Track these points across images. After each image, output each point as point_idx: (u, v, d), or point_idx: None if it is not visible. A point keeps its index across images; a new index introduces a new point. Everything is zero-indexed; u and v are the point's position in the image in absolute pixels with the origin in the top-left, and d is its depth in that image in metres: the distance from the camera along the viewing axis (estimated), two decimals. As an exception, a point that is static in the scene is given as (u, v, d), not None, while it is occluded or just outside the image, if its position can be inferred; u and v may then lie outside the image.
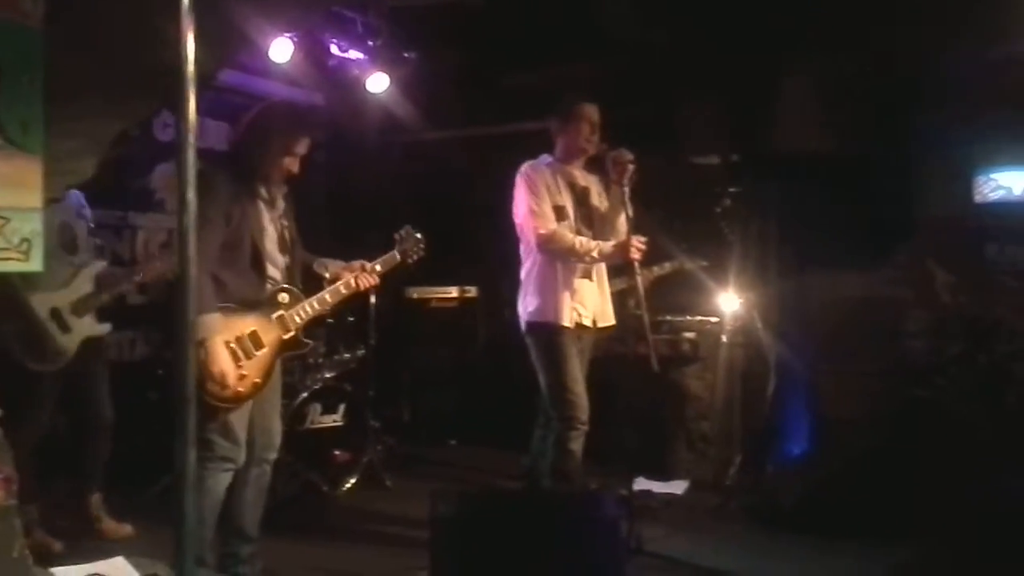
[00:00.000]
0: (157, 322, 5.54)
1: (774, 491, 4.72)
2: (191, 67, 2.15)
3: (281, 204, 3.50)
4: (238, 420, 3.32)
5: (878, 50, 5.30)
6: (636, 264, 4.05)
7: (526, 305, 4.12)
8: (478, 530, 2.58)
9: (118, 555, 3.17)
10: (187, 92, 2.14)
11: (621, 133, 4.27)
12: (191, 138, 2.14)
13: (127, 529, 4.23)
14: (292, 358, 4.21)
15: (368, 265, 3.68)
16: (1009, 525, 4.06)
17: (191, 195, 2.15)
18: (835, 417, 5.08)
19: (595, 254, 4.02)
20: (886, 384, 5.01)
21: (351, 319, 5.32)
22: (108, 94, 3.37)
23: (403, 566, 3.66)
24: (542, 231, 4.00)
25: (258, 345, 3.33)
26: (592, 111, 4.15)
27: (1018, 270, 5.54)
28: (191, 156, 2.15)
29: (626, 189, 4.06)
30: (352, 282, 3.59)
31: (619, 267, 4.34)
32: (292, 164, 3.42)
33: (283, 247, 3.47)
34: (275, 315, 3.39)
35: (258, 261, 3.35)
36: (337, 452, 5.05)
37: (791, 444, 5.25)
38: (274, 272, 3.42)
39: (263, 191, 3.41)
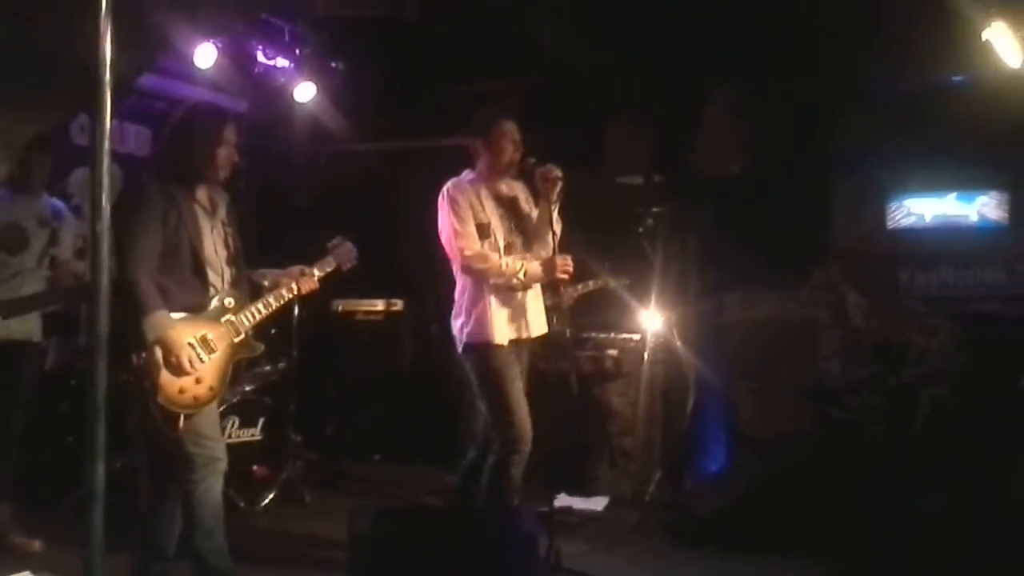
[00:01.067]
0: (69, 331, 5.37)
1: (692, 506, 4.80)
2: (108, 70, 2.10)
3: (222, 211, 3.46)
4: (203, 423, 3.28)
5: (797, 76, 5.47)
6: (561, 285, 4.07)
7: (461, 326, 4.05)
8: (395, 547, 2.57)
9: (24, 571, 3.06)
10: (103, 96, 2.09)
11: (547, 151, 4.30)
12: (106, 143, 2.09)
13: (36, 545, 4.11)
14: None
15: (307, 270, 3.67)
16: (914, 543, 4.21)
17: (105, 200, 2.10)
18: (751, 434, 5.21)
19: (521, 275, 4.00)
20: (801, 403, 5.16)
21: (273, 331, 5.23)
22: (25, 96, 3.28)
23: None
24: (467, 252, 3.96)
25: (210, 349, 3.29)
26: (512, 128, 4.10)
27: (928, 296, 5.77)
28: (106, 161, 2.09)
29: (555, 206, 4.07)
30: (295, 286, 3.58)
31: (543, 284, 4.36)
32: (229, 154, 3.38)
33: (227, 255, 3.43)
34: (223, 319, 3.35)
35: (199, 267, 3.30)
36: (255, 467, 4.96)
37: (709, 460, 5.34)
38: (215, 279, 3.37)
39: (201, 196, 3.37)
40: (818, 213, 5.88)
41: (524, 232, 4.15)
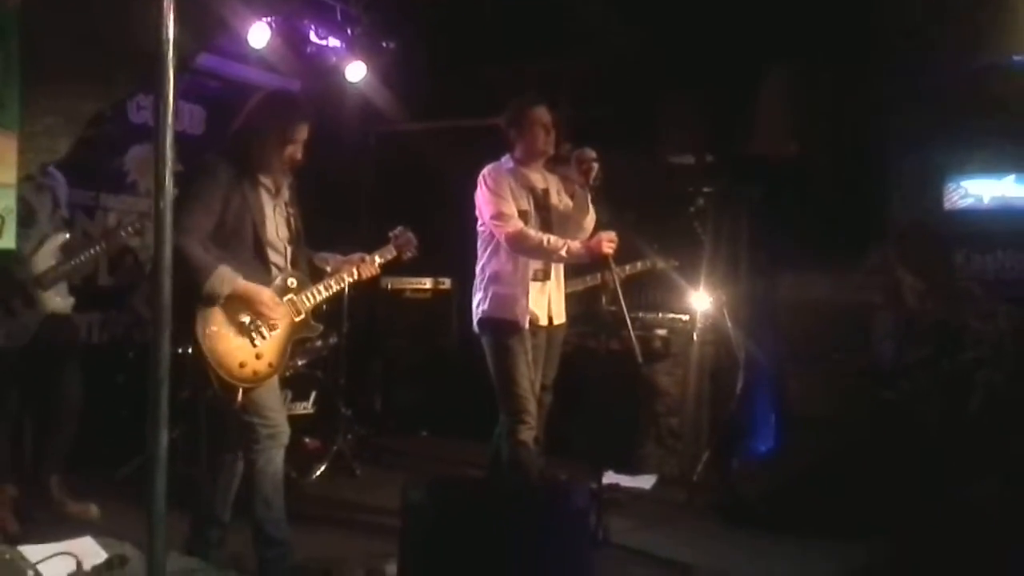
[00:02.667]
0: (118, 305, 5.51)
1: (739, 487, 4.78)
2: (170, 50, 2.14)
3: (285, 192, 3.52)
4: (266, 396, 3.36)
5: (853, 55, 5.37)
6: (611, 259, 4.09)
7: (479, 302, 4.15)
8: (449, 518, 2.60)
9: (86, 535, 3.16)
10: (166, 75, 2.13)
11: (598, 130, 4.30)
12: (169, 121, 2.14)
13: (93, 510, 4.21)
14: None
15: (368, 257, 3.77)
16: (964, 531, 4.15)
17: (168, 179, 2.15)
18: (801, 416, 5.16)
19: (563, 252, 4.04)
20: (852, 385, 5.09)
21: (324, 307, 5.30)
22: (86, 74, 3.35)
23: (370, 553, 3.67)
24: (509, 230, 4.02)
25: (271, 327, 3.36)
26: (543, 114, 4.14)
27: (984, 278, 5.65)
28: (169, 139, 2.14)
29: (591, 190, 4.09)
30: (355, 271, 3.68)
31: (585, 265, 4.37)
32: (294, 152, 3.43)
33: (289, 235, 3.50)
34: (285, 298, 3.43)
35: (260, 248, 3.37)
36: (307, 440, 5.04)
37: (757, 441, 5.32)
38: (277, 259, 3.44)
39: (265, 180, 3.42)
40: (874, 194, 5.77)
41: (550, 227, 4.20)
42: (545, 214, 4.22)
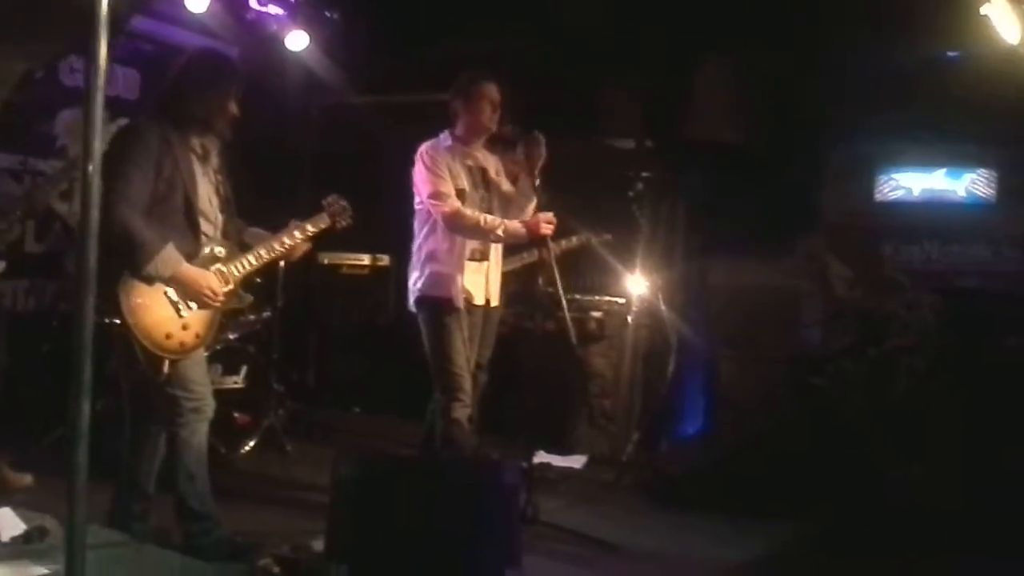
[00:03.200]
0: (53, 272, 5.36)
1: (667, 467, 4.87)
2: (104, 11, 2.07)
3: (215, 158, 3.44)
4: (192, 369, 3.30)
5: (792, 47, 5.46)
6: (548, 240, 4.10)
7: (416, 280, 4.14)
8: (377, 493, 2.60)
9: (4, 506, 3.09)
10: (99, 36, 2.07)
11: (539, 112, 4.30)
12: (100, 84, 2.07)
13: (27, 479, 4.12)
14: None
15: (300, 225, 3.66)
16: (887, 507, 4.29)
17: (97, 143, 2.08)
18: (730, 399, 5.27)
19: (500, 232, 4.04)
20: (781, 370, 5.22)
21: (258, 280, 5.22)
22: (14, 34, 3.24)
23: (298, 529, 3.65)
24: (446, 210, 4.00)
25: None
26: (492, 90, 4.12)
27: (911, 268, 5.82)
28: (99, 102, 2.08)
29: (537, 180, 4.09)
30: (286, 240, 3.58)
31: (523, 244, 4.39)
32: (235, 110, 3.38)
33: (219, 202, 3.43)
34: (213, 268, 3.35)
35: (191, 215, 3.30)
36: (237, 415, 4.98)
37: (687, 423, 5.42)
38: (207, 228, 3.37)
39: (195, 143, 3.35)
40: (807, 183, 5.90)
41: (490, 206, 4.20)
42: (484, 193, 4.21)
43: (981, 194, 5.86)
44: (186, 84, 3.35)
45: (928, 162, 5.93)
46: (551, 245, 4.18)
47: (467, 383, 4.04)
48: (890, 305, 5.06)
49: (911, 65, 5.37)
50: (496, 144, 4.33)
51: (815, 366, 5.07)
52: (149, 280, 3.17)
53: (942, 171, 5.92)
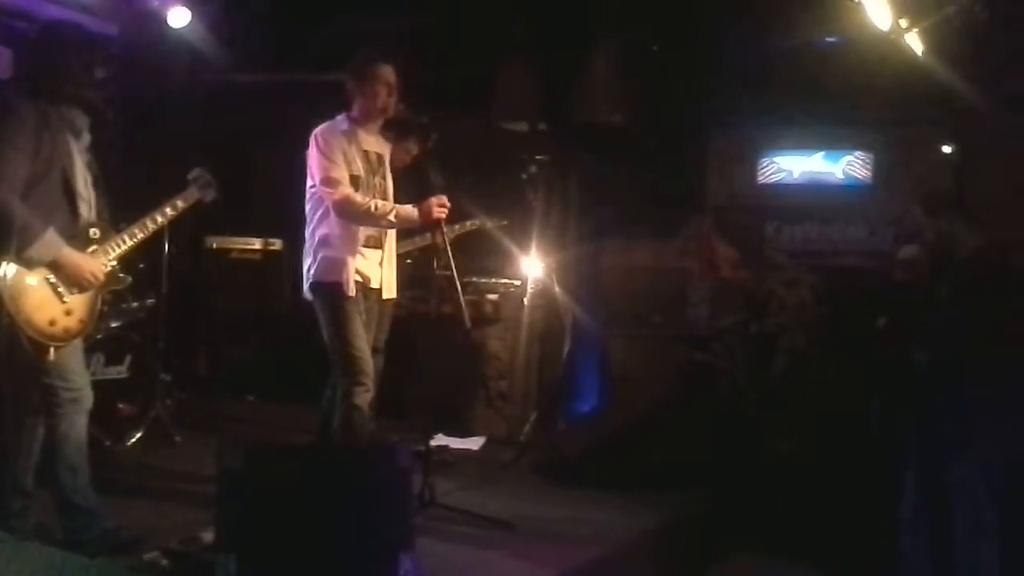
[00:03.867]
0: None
1: (563, 446, 4.95)
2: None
3: (86, 136, 3.32)
4: (69, 358, 3.20)
5: (677, 31, 5.58)
6: (442, 224, 4.09)
7: (310, 266, 4.06)
8: (265, 482, 2.57)
9: None
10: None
11: (434, 92, 4.27)
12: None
13: None
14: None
15: (169, 202, 3.55)
16: (768, 480, 4.48)
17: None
18: (622, 377, 5.39)
19: (392, 217, 4.00)
20: (669, 348, 5.36)
21: (141, 266, 5.05)
22: None
23: (187, 521, 3.56)
24: (337, 197, 3.93)
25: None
26: (388, 72, 4.03)
27: (792, 248, 6.05)
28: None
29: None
30: (157, 217, 3.48)
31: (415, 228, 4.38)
32: (102, 75, 3.28)
33: (93, 182, 3.31)
34: (89, 249, 3.24)
35: (69, 194, 3.18)
36: (121, 406, 4.82)
37: (582, 402, 5.52)
38: (83, 207, 3.25)
39: (72, 120, 3.22)
40: (694, 166, 6.06)
41: (385, 193, 4.16)
42: (382, 181, 4.15)
43: (858, 176, 6.12)
44: (48, 58, 3.23)
45: (807, 145, 6.16)
46: (445, 229, 4.17)
47: (369, 366, 3.99)
48: (770, 284, 5.25)
49: (790, 51, 5.55)
50: (390, 129, 4.27)
51: (701, 343, 5.23)
52: (30, 264, 3.06)
53: (820, 154, 6.16)
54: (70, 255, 3.13)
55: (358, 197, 3.96)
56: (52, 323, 3.11)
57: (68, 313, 3.15)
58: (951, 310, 3.49)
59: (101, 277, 3.22)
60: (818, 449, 4.60)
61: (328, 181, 3.94)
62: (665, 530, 4.16)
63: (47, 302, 3.11)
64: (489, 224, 5.37)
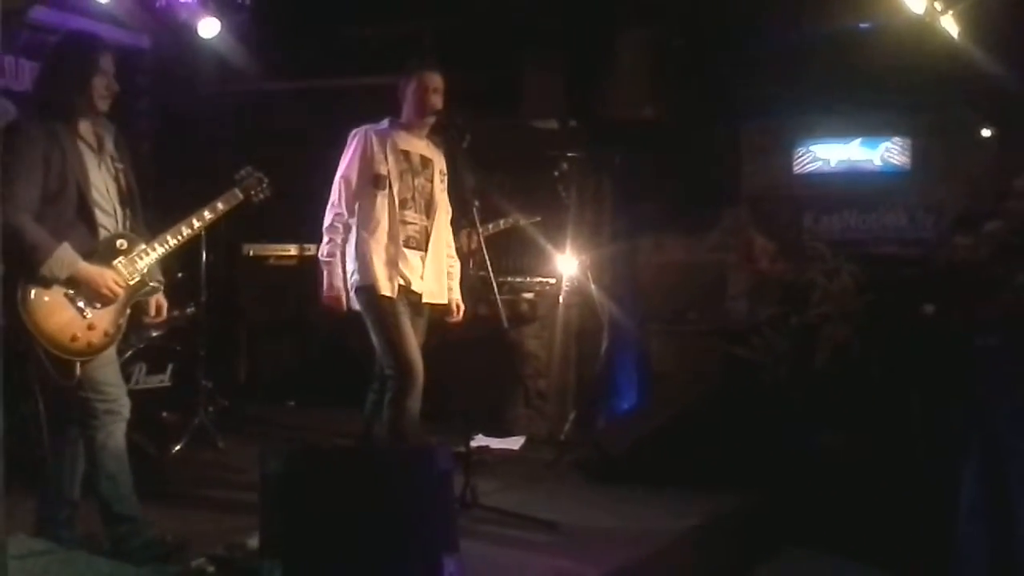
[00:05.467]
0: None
1: (604, 444, 4.91)
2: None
3: (110, 145, 3.32)
4: (102, 369, 3.21)
5: (706, 19, 5.51)
6: (477, 223, 4.09)
7: (351, 271, 4.09)
8: (307, 487, 2.57)
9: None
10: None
11: (462, 93, 4.27)
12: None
13: None
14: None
15: (211, 205, 3.54)
16: (815, 475, 4.40)
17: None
18: (661, 374, 5.34)
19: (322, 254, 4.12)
20: (708, 343, 5.30)
21: (180, 275, 5.10)
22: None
23: (233, 527, 3.58)
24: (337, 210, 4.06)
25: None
26: (433, 79, 4.10)
27: (830, 238, 5.95)
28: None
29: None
30: (195, 222, 3.45)
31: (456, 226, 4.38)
32: (107, 84, 3.22)
33: (119, 193, 3.30)
34: (115, 261, 3.23)
35: (85, 209, 3.18)
36: (165, 414, 4.87)
37: (621, 399, 5.48)
38: (106, 220, 3.25)
39: (85, 132, 3.23)
40: (727, 158, 5.98)
41: (432, 195, 4.18)
42: (424, 183, 4.14)
43: (896, 162, 6.00)
44: (48, 69, 3.25)
45: (843, 133, 6.05)
46: (480, 228, 4.16)
47: (418, 367, 3.99)
48: (810, 275, 5.17)
49: (823, 37, 5.46)
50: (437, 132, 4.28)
51: (740, 337, 5.17)
52: (46, 283, 3.06)
53: (857, 141, 6.05)
54: (86, 269, 3.12)
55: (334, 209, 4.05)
56: (74, 339, 3.10)
57: (91, 328, 3.15)
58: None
59: (120, 290, 3.20)
60: (864, 442, 4.52)
61: (339, 185, 4.07)
62: (709, 528, 4.10)
63: (68, 318, 3.11)
64: (522, 221, 5.36)
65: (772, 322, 5.12)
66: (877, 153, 6.05)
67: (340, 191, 4.11)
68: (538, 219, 5.45)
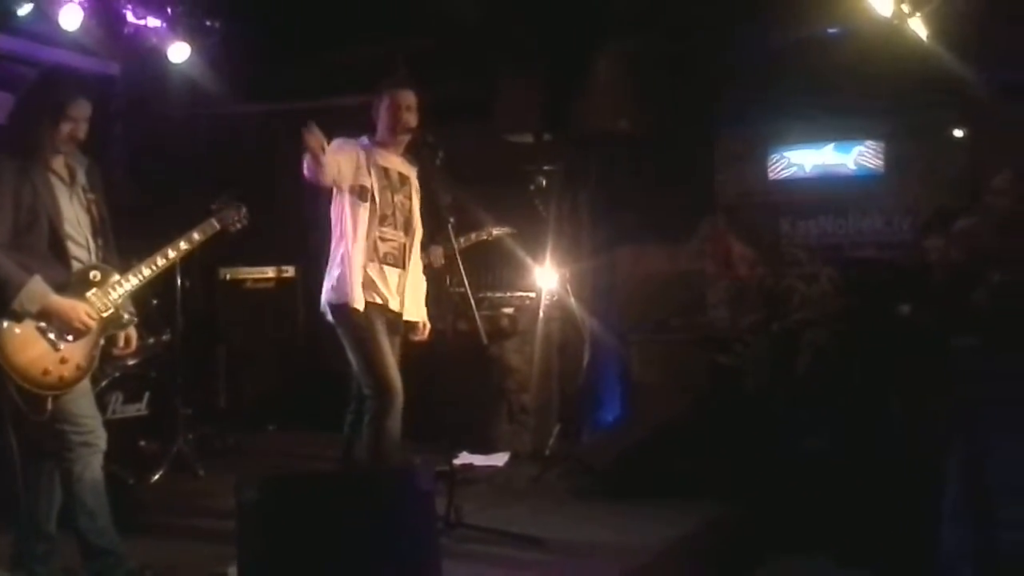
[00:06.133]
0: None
1: (589, 458, 4.89)
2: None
3: (82, 177, 3.29)
4: (76, 402, 3.16)
5: (679, 31, 5.53)
6: (454, 240, 4.07)
7: (327, 287, 4.03)
8: (284, 514, 2.52)
9: None
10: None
11: (437, 109, 4.26)
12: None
13: None
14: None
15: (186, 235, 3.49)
16: (800, 481, 4.39)
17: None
18: (644, 385, 5.32)
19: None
20: (690, 352, 5.30)
21: (155, 302, 5.04)
22: None
23: (212, 556, 3.53)
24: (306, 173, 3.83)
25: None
26: (405, 96, 4.07)
27: (808, 243, 5.97)
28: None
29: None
30: (169, 252, 3.42)
31: (425, 243, 4.35)
32: (74, 130, 3.18)
33: (91, 225, 3.28)
34: (88, 293, 3.19)
35: (57, 241, 3.15)
36: (143, 443, 4.81)
37: (605, 412, 5.46)
38: (78, 251, 3.22)
39: (57, 165, 3.20)
40: (703, 167, 6.00)
41: (410, 212, 4.14)
42: (404, 200, 4.09)
43: (870, 165, 6.04)
44: (19, 109, 3.23)
45: (817, 138, 6.09)
46: (455, 242, 4.14)
47: (397, 385, 3.92)
48: (789, 280, 5.18)
49: (793, 44, 5.49)
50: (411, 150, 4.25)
51: (722, 346, 5.16)
52: (18, 317, 3.02)
53: (831, 146, 6.09)
54: (58, 302, 3.08)
55: (325, 172, 3.81)
56: (46, 373, 3.06)
57: (63, 361, 3.10)
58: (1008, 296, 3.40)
59: (92, 323, 3.16)
60: (846, 445, 4.51)
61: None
62: (698, 537, 4.08)
63: (39, 352, 3.07)
64: (495, 232, 5.29)
65: (754, 328, 5.13)
66: (851, 157, 6.09)
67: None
68: (512, 230, 5.40)
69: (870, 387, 4.47)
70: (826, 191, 6.06)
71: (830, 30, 5.48)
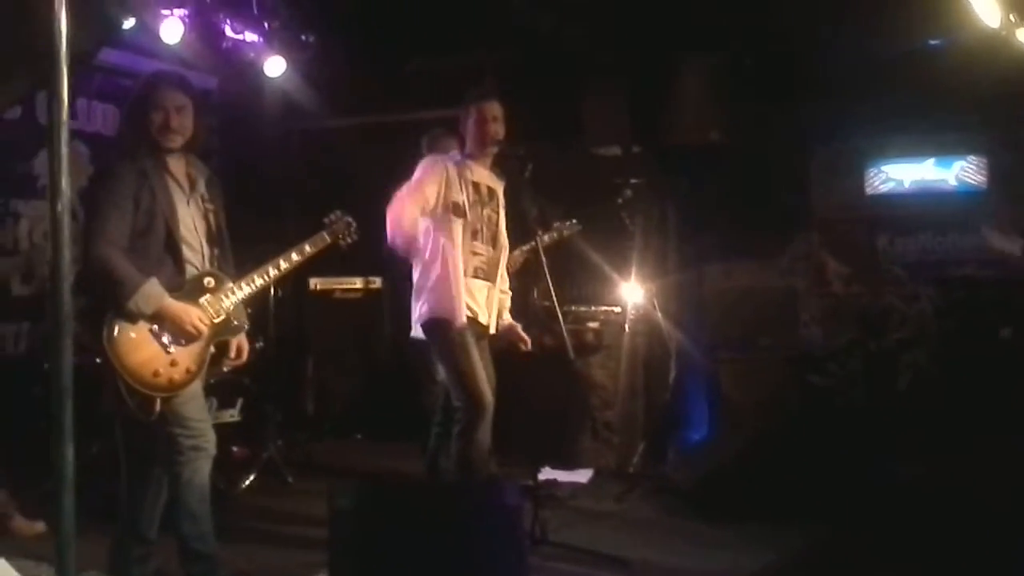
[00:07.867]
0: (43, 314, 5.29)
1: (675, 476, 4.80)
2: (64, 46, 2.02)
3: (201, 186, 3.36)
4: (187, 405, 3.21)
5: (772, 43, 5.43)
6: (541, 253, 4.06)
7: (420, 304, 4.03)
8: (376, 522, 2.53)
9: (19, 554, 3.02)
10: (60, 70, 2.01)
11: (523, 123, 4.26)
12: (64, 119, 2.01)
13: (39, 527, 4.00)
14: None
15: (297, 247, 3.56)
16: (897, 506, 4.23)
17: (64, 181, 2.02)
18: (733, 403, 5.21)
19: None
20: (782, 371, 5.16)
21: (248, 311, 5.15)
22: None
23: (302, 563, 3.58)
24: (391, 207, 3.93)
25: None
26: (491, 108, 4.08)
27: (907, 261, 5.78)
28: (64, 139, 2.02)
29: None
30: (281, 262, 3.48)
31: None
32: (165, 119, 3.21)
33: (206, 230, 3.34)
34: (201, 299, 3.26)
35: (173, 246, 3.22)
36: (235, 449, 4.90)
37: (692, 430, 5.35)
38: (192, 256, 3.28)
39: (176, 170, 3.28)
40: (796, 181, 5.87)
41: (498, 225, 4.15)
42: (492, 214, 4.11)
43: (972, 181, 5.83)
44: (124, 114, 3.38)
45: (917, 152, 5.90)
46: (542, 254, 4.13)
47: (489, 399, 3.93)
48: (888, 299, 5.02)
49: (893, 56, 5.34)
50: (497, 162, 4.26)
51: (816, 365, 5.02)
52: (132, 318, 3.10)
53: (931, 160, 5.89)
54: (172, 306, 3.14)
55: (405, 216, 3.89)
56: (156, 375, 3.12)
57: (173, 364, 3.16)
58: None
59: (205, 328, 3.22)
60: (947, 470, 4.33)
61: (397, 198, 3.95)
62: (786, 564, 3.96)
63: (151, 354, 3.13)
64: (565, 232, 5.14)
65: (849, 348, 4.97)
66: (952, 172, 5.89)
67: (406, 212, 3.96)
68: (579, 227, 5.22)
69: (971, 411, 4.29)
70: (926, 207, 5.86)
71: (932, 41, 5.30)
